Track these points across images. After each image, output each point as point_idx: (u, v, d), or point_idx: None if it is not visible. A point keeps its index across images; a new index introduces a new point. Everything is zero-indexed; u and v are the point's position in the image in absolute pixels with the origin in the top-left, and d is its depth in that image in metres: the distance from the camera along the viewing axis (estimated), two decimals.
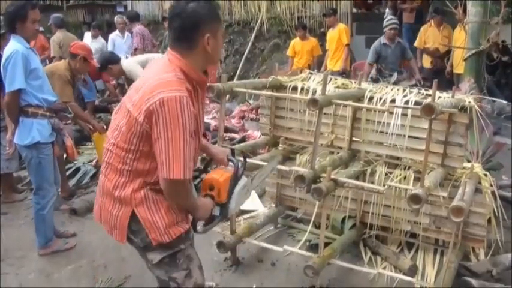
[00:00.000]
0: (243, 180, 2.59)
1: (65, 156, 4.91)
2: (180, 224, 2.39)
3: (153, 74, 2.25)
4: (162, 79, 2.17)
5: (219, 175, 2.52)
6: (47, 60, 9.02)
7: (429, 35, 9.09)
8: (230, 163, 2.65)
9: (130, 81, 5.81)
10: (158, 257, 2.39)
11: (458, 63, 7.95)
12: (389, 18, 8.24)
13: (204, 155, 2.84)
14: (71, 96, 5.05)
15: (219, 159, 2.72)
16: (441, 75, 8.53)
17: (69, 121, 4.77)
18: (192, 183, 2.38)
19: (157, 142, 2.15)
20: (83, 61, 5.05)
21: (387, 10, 11.37)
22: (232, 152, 2.75)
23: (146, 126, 2.16)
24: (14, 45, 3.90)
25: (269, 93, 4.11)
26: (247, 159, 2.89)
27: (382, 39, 7.95)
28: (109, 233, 2.45)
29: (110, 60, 5.89)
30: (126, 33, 9.78)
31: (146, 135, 2.19)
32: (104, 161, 2.40)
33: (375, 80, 7.75)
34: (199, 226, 2.53)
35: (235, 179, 2.53)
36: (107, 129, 5.12)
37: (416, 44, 9.21)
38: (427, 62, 9.21)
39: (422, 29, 9.29)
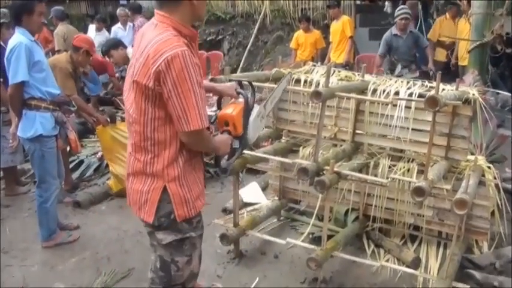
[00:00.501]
0: (256, 108, 2.69)
1: (68, 149, 4.91)
2: (201, 197, 2.54)
3: (149, 39, 2.26)
4: (160, 40, 2.20)
5: (231, 109, 2.60)
6: (50, 53, 9.02)
7: (444, 28, 8.82)
8: (240, 95, 2.69)
9: None
10: (168, 238, 2.48)
11: (463, 55, 7.89)
12: (400, 7, 7.97)
13: None
14: (73, 89, 5.04)
15: (229, 94, 2.79)
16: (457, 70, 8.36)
17: (73, 114, 4.77)
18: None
19: (170, 100, 2.21)
20: (86, 54, 5.04)
21: (386, 3, 11.35)
22: (240, 84, 2.77)
23: (157, 89, 2.21)
24: (19, 37, 3.90)
25: (272, 85, 4.09)
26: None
27: (393, 30, 7.76)
28: (137, 213, 2.52)
29: (116, 45, 5.83)
30: (129, 24, 9.75)
31: (159, 98, 2.25)
32: (130, 144, 2.47)
33: (391, 72, 7.61)
34: (223, 161, 2.64)
35: (247, 109, 2.62)
36: (110, 121, 5.15)
37: (429, 36, 8.95)
38: (442, 55, 8.96)
39: (437, 20, 9.07)
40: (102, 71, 7.64)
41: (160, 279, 2.59)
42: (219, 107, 2.75)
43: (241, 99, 2.66)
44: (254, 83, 3.13)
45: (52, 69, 4.39)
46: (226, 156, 2.64)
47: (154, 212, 2.42)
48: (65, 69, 4.97)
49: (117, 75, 8.43)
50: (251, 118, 2.64)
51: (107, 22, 10.81)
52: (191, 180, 2.46)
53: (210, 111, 4.72)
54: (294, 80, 4.12)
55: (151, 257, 2.63)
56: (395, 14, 7.73)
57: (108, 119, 5.24)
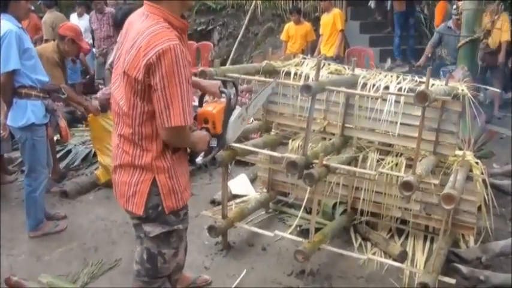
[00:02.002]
0: (237, 109, 2.68)
1: (58, 137, 4.86)
2: (188, 189, 2.55)
3: (139, 30, 2.23)
4: (152, 32, 2.18)
5: (212, 107, 2.59)
6: (40, 41, 8.90)
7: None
8: (222, 95, 2.68)
9: None
10: (156, 230, 2.48)
11: None
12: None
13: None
14: (61, 78, 4.95)
15: (212, 92, 2.78)
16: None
17: (61, 102, 4.72)
18: None
19: (155, 93, 2.19)
20: (72, 43, 4.92)
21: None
22: (224, 84, 2.77)
23: (147, 81, 2.19)
24: (7, 24, 3.82)
25: (262, 78, 4.09)
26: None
27: (449, 23, 7.65)
28: (124, 206, 2.50)
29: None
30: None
31: (148, 93, 2.23)
32: (118, 135, 2.44)
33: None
34: (199, 158, 2.61)
35: (228, 109, 2.61)
36: (101, 111, 5.08)
37: None
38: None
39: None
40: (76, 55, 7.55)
41: (147, 271, 2.59)
42: (201, 105, 2.73)
43: (223, 99, 2.65)
44: (243, 76, 3.14)
45: (39, 59, 4.33)
46: (202, 154, 2.61)
47: (144, 205, 2.41)
48: (52, 59, 4.86)
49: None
50: (231, 118, 2.63)
51: (90, 6, 10.47)
52: (179, 172, 2.46)
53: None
54: (284, 73, 4.12)
55: (136, 248, 2.63)
56: (455, 12, 7.57)
57: (99, 108, 5.18)
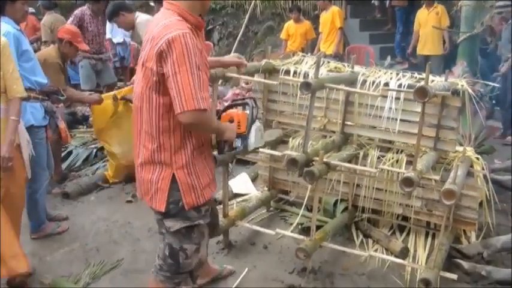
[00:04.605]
0: (257, 123, 2.75)
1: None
2: (211, 186, 2.61)
3: (156, 24, 2.37)
4: (164, 24, 2.31)
5: (237, 110, 2.74)
6: (39, 42, 8.90)
7: None
8: (246, 106, 2.77)
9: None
10: (177, 225, 2.52)
11: None
12: None
13: None
14: (64, 82, 4.96)
15: (235, 62, 3.10)
16: None
17: (61, 104, 4.72)
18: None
19: (168, 80, 2.27)
20: (69, 45, 4.92)
21: None
22: (245, 103, 2.84)
23: (159, 70, 2.28)
24: (5, 26, 3.81)
25: (261, 79, 4.08)
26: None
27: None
28: (148, 203, 2.56)
29: (123, 7, 5.63)
30: None
31: (163, 84, 2.31)
32: (137, 131, 2.52)
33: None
34: (226, 149, 2.69)
35: (251, 117, 2.70)
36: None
37: None
38: None
39: None
40: None
41: (169, 266, 2.63)
42: (219, 117, 2.79)
43: (247, 111, 2.75)
44: (242, 76, 3.22)
45: (43, 63, 4.34)
46: (226, 147, 2.68)
47: (166, 201, 2.47)
48: (56, 65, 4.83)
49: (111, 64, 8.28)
50: (253, 127, 2.71)
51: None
52: (200, 168, 2.51)
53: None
54: (283, 71, 4.11)
55: (159, 244, 2.66)
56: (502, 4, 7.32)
57: (101, 95, 5.24)
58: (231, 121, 2.65)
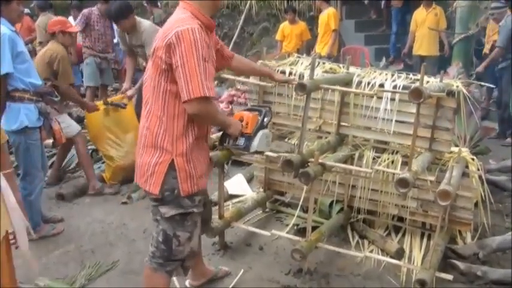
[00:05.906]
0: (267, 130, 2.90)
1: (52, 141, 4.85)
2: (204, 177, 2.72)
3: (170, 20, 2.59)
4: (176, 19, 2.53)
5: (248, 113, 2.85)
6: (34, 42, 8.89)
7: None
8: (258, 112, 2.90)
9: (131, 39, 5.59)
10: (171, 212, 2.63)
11: None
12: None
13: None
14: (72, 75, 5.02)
15: (271, 73, 3.40)
16: None
17: (57, 106, 4.70)
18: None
19: (176, 71, 2.44)
20: (63, 34, 4.90)
21: None
22: (259, 110, 2.96)
23: (168, 60, 2.46)
24: (0, 28, 3.81)
25: (256, 81, 4.08)
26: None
27: None
28: (143, 185, 2.67)
29: (132, 9, 5.52)
30: None
31: (170, 72, 2.48)
32: (146, 113, 2.64)
33: None
34: (231, 142, 2.83)
35: (262, 122, 2.84)
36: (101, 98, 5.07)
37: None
38: None
39: None
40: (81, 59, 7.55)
41: (161, 252, 2.71)
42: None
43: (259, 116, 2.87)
44: (238, 78, 3.29)
45: (54, 61, 4.38)
46: (229, 141, 2.82)
47: (160, 185, 2.57)
48: (66, 58, 4.83)
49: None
50: (261, 132, 2.80)
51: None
52: (197, 158, 2.63)
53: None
54: (278, 72, 4.11)
55: (153, 232, 2.75)
56: None
57: (97, 104, 5.32)
58: (241, 120, 2.76)
